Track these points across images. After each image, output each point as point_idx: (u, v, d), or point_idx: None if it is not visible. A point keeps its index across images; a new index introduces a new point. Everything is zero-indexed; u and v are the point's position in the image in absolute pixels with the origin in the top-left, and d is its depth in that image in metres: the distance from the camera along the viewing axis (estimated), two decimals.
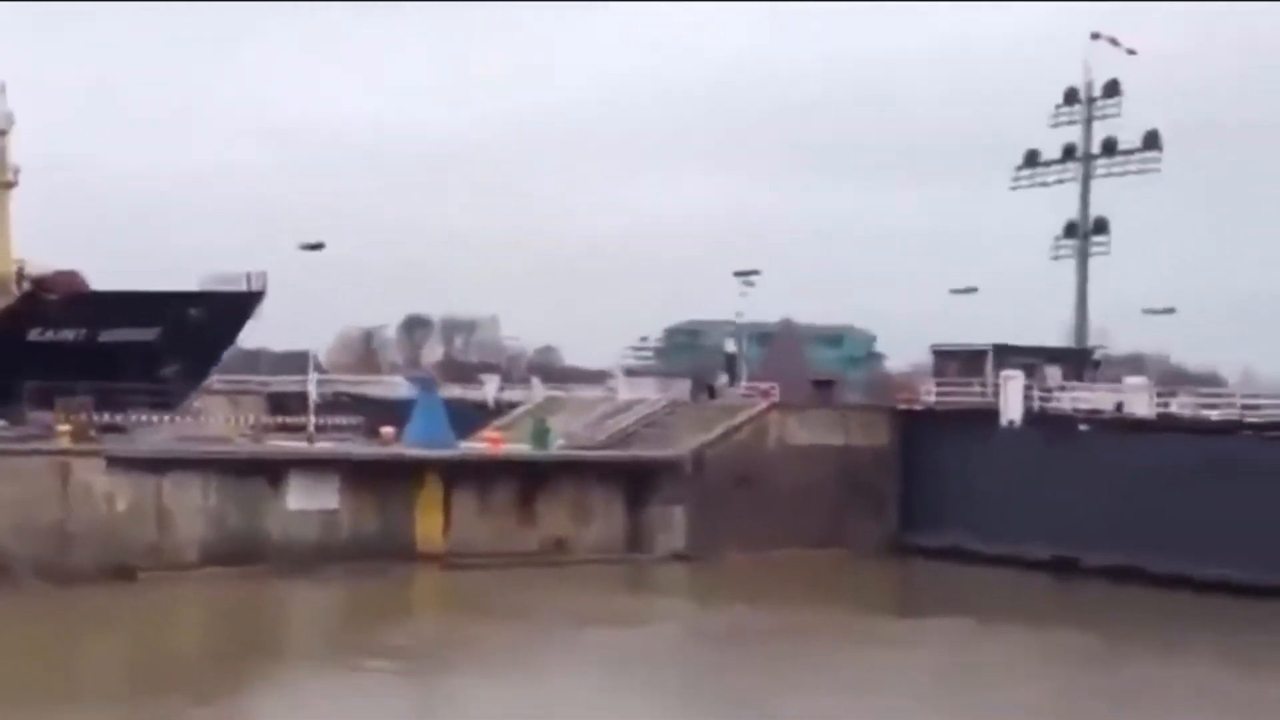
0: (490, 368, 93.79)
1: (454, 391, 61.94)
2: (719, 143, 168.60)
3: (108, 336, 48.57)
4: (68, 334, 48.60)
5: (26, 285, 50.99)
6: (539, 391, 67.45)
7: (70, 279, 50.88)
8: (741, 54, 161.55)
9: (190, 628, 32.37)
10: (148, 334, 49.54)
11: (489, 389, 66.09)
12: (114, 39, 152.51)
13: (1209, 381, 71.08)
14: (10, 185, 52.86)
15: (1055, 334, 57.76)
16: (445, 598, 36.26)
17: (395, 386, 77.10)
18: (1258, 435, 39.15)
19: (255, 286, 51.84)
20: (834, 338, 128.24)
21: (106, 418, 40.78)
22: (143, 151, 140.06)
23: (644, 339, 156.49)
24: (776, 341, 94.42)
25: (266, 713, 24.13)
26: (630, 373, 61.90)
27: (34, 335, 48.35)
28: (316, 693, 25.27)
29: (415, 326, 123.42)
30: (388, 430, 44.29)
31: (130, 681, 26.16)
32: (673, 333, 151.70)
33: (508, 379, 77.96)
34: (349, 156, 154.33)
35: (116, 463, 35.23)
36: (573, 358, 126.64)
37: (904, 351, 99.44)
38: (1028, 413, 43.74)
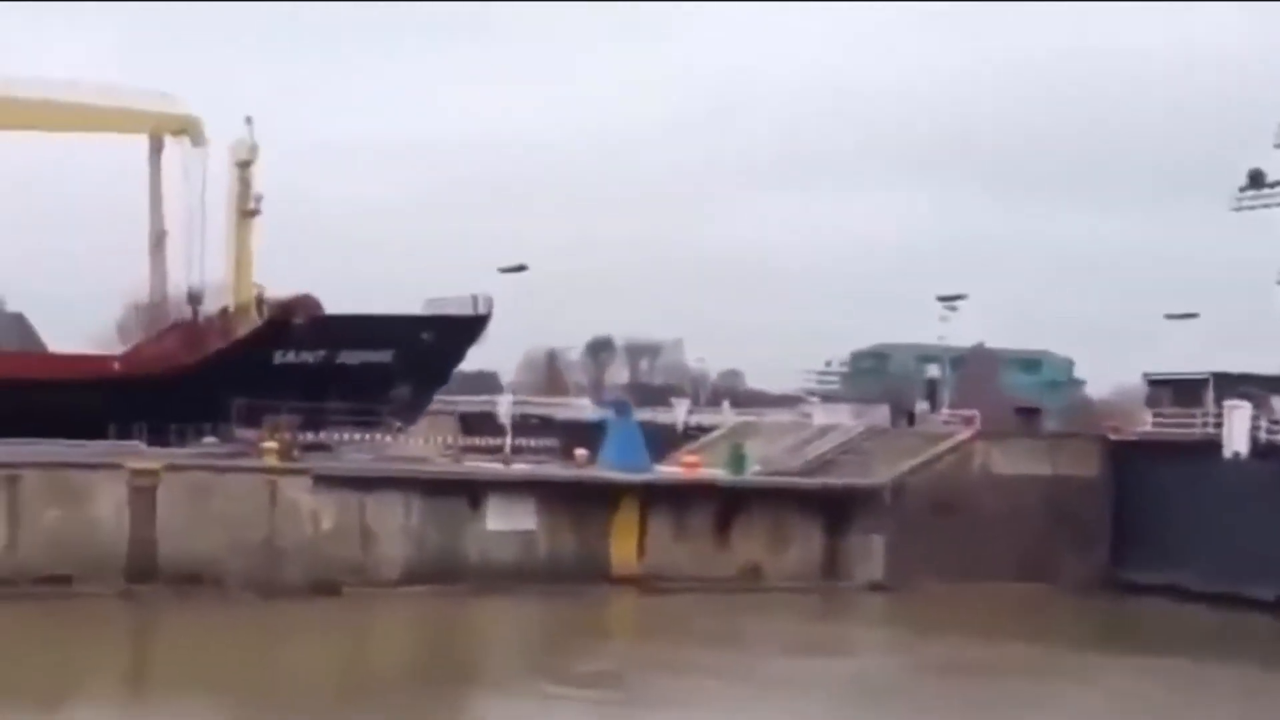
0: (674, 391, 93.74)
1: (643, 414, 61.91)
2: (903, 157, 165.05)
3: (346, 358, 50.24)
4: (309, 356, 50.39)
5: (267, 310, 52.91)
6: (729, 415, 66.98)
7: (308, 303, 52.71)
8: (931, 60, 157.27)
9: (390, 643, 32.67)
10: (383, 356, 51.14)
11: (678, 412, 65.90)
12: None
13: None
14: (254, 214, 54.79)
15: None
16: (643, 622, 35.93)
17: (583, 409, 77.73)
18: None
19: (481, 310, 53.06)
20: (1031, 362, 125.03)
21: (310, 436, 41.65)
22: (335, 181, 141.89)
23: (828, 363, 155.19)
24: (969, 366, 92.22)
25: None
26: (816, 397, 60.57)
27: (279, 358, 50.31)
28: (513, 716, 24.93)
29: (600, 349, 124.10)
30: (582, 452, 44.25)
31: (325, 692, 26.44)
32: (859, 357, 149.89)
33: (695, 402, 77.80)
34: (495, 176, 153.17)
35: (322, 481, 35.82)
36: (756, 381, 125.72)
37: (1105, 378, 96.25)
38: (1254, 444, 41.39)
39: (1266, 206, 54.43)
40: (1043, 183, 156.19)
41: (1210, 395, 46.12)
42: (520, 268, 46.50)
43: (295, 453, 39.21)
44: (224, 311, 55.00)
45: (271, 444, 37.86)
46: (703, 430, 59.76)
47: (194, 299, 55.32)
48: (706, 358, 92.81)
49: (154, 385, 47.49)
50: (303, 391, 44.55)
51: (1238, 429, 41.86)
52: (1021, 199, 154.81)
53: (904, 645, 32.51)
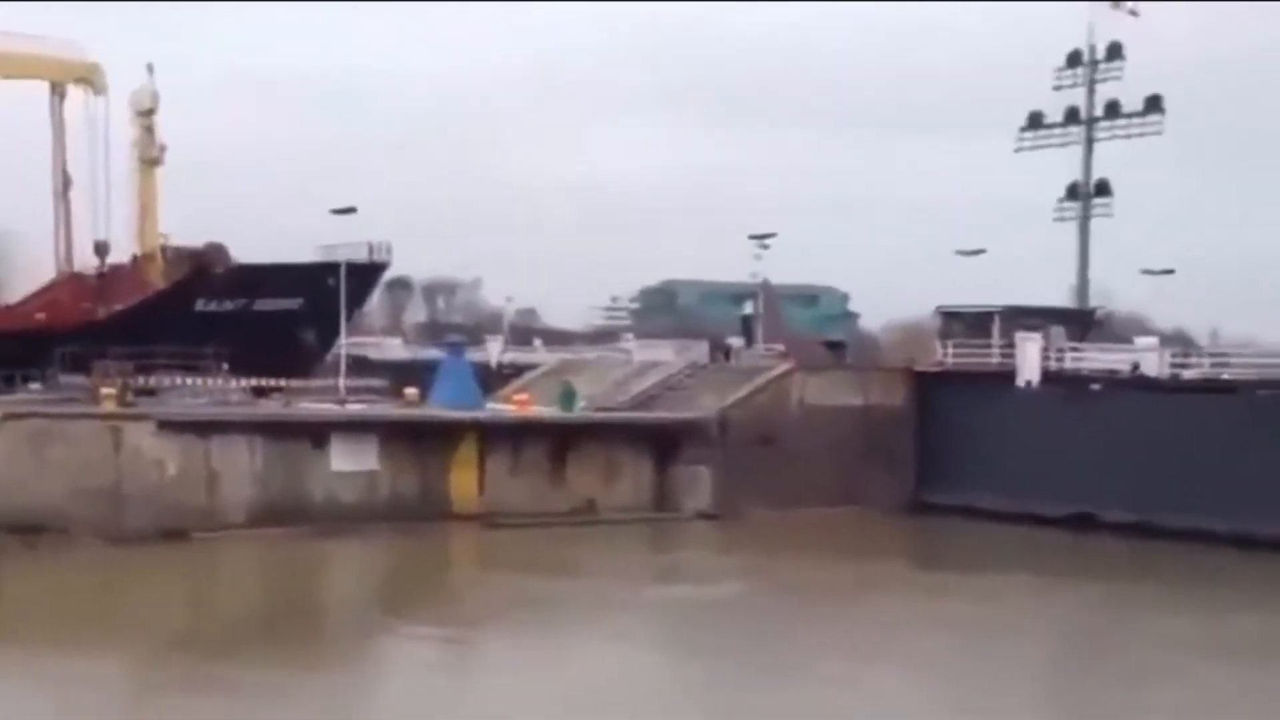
0: (458, 328, 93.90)
1: None
2: (698, 95, 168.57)
3: (261, 306, 51.66)
4: (229, 304, 51.76)
5: (175, 258, 54.54)
6: (541, 353, 68.25)
7: (222, 252, 54.06)
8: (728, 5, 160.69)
9: (244, 586, 32.93)
10: (293, 303, 52.97)
11: (492, 350, 66.66)
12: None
13: (1180, 341, 72.42)
14: (157, 163, 55.73)
15: (1057, 296, 58.86)
16: (491, 556, 36.89)
17: (393, 348, 77.93)
18: (1270, 393, 40.33)
19: (379, 257, 55.67)
20: (809, 297, 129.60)
21: (140, 382, 41.22)
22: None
23: (614, 299, 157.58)
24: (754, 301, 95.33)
25: (323, 665, 24.45)
26: (631, 334, 62.39)
27: (201, 306, 52.05)
28: (374, 654, 25.74)
29: (397, 288, 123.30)
30: (411, 391, 44.88)
31: (181, 636, 26.75)
32: (648, 293, 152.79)
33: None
34: (323, 107, 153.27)
35: (166, 426, 35.70)
36: (550, 319, 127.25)
37: (879, 311, 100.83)
38: (1044, 373, 44.78)
39: (1045, 147, 58.42)
40: (838, 121, 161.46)
41: (998, 327, 49.60)
42: (351, 209, 46.73)
43: (129, 398, 38.88)
44: (133, 260, 55.92)
45: (110, 390, 37.45)
46: (516, 368, 60.82)
47: (100, 250, 55.58)
48: (513, 296, 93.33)
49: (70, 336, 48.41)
50: (222, 339, 45.81)
51: (1030, 359, 45.19)
52: (813, 137, 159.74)
53: (748, 568, 34.40)
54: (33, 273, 58.34)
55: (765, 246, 53.69)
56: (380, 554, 35.77)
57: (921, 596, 31.75)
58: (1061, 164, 57.18)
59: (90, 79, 55.51)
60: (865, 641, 26.44)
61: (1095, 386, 44.26)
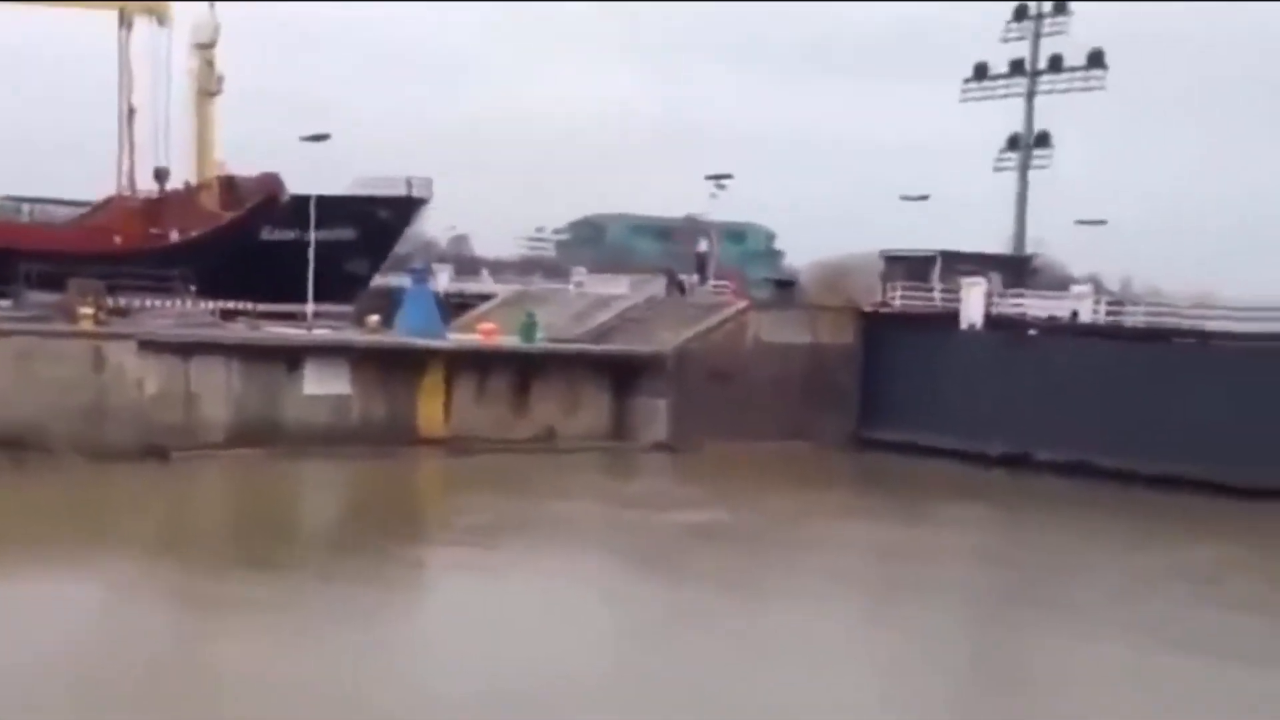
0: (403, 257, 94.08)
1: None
2: (638, 29, 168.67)
3: (316, 235, 52.18)
4: (289, 234, 52.49)
5: (240, 188, 56.73)
6: (489, 283, 69.18)
7: (278, 181, 55.73)
8: None
9: (227, 500, 34.05)
10: (345, 234, 54.62)
11: (441, 280, 67.25)
12: None
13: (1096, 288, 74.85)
14: (215, 94, 57.85)
15: (993, 243, 60.90)
16: (464, 478, 38.20)
17: None
18: (1198, 341, 42.68)
19: (419, 193, 58.73)
20: (737, 234, 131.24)
21: (112, 302, 41.74)
22: None
23: (540, 229, 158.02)
24: (680, 236, 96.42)
25: (334, 576, 25.41)
26: (584, 268, 63.51)
27: (266, 235, 54.12)
28: (373, 564, 26.73)
29: None
30: (374, 318, 45.80)
31: (152, 542, 27.85)
32: (577, 225, 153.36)
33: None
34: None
35: (147, 345, 36.40)
36: (481, 248, 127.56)
37: (804, 250, 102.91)
38: (987, 317, 46.76)
39: (989, 98, 60.26)
40: (782, 61, 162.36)
41: (937, 271, 51.53)
42: (324, 136, 47.29)
43: (102, 317, 39.44)
44: (186, 187, 57.94)
45: (87, 309, 37.97)
46: (463, 297, 61.73)
47: (160, 175, 57.74)
48: (454, 225, 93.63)
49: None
50: (283, 267, 47.31)
51: (974, 303, 47.16)
52: (756, 80, 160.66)
53: (712, 496, 35.95)
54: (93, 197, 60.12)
55: (722, 186, 55.06)
56: (357, 474, 36.88)
57: (869, 523, 33.83)
58: (1007, 114, 59.11)
59: (156, 11, 57.72)
60: (838, 564, 28.31)
61: (1032, 332, 46.38)
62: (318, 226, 48.26)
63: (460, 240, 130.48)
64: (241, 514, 32.12)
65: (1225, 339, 41.81)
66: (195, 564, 25.66)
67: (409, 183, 58.35)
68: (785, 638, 22.03)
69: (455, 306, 57.29)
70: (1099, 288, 79.63)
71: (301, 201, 52.21)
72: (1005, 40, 58.21)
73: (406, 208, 60.06)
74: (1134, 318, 46.72)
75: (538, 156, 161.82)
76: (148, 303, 43.55)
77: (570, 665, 19.66)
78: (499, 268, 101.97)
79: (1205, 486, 37.90)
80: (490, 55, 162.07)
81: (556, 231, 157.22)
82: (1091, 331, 45.28)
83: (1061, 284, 58.28)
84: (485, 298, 59.43)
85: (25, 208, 58.84)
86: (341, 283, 52.84)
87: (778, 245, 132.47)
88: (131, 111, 57.48)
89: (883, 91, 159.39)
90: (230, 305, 44.97)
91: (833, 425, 47.36)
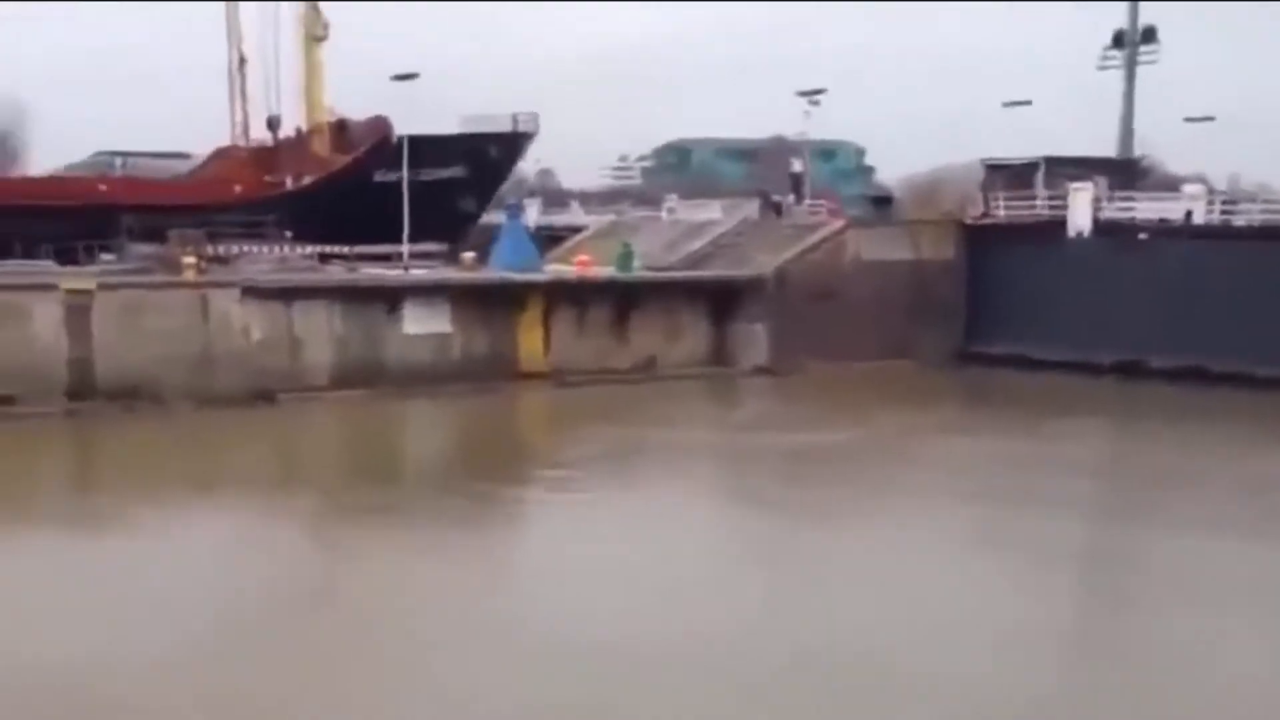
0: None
1: (492, 217, 63.45)
2: None
3: (426, 176, 52.96)
4: (401, 174, 52.61)
5: (353, 131, 56.86)
6: (578, 215, 68.85)
7: (385, 124, 55.66)
8: None
9: (343, 439, 34.24)
10: (456, 172, 55.54)
11: (530, 214, 67.10)
12: None
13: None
14: (321, 39, 57.67)
15: (1097, 148, 59.14)
16: (571, 410, 38.07)
17: None
18: None
19: (525, 128, 58.74)
20: (827, 151, 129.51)
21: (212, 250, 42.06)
22: None
23: (623, 158, 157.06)
24: (769, 157, 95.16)
25: (457, 509, 25.47)
26: (674, 195, 62.90)
27: (379, 176, 53.76)
28: (497, 492, 26.95)
29: None
30: (469, 255, 45.73)
31: (269, 481, 28.29)
32: (661, 151, 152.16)
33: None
34: None
35: (250, 292, 36.62)
36: (567, 180, 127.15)
37: (897, 164, 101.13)
38: (1095, 224, 45.47)
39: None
40: None
41: (1041, 178, 50.16)
42: (412, 75, 47.07)
43: (203, 265, 39.76)
44: (298, 133, 58.11)
45: (190, 259, 38.28)
46: (554, 230, 61.52)
47: (273, 124, 58.29)
48: (540, 158, 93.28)
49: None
50: (396, 207, 47.41)
51: (1080, 210, 45.87)
52: None
53: (821, 418, 35.59)
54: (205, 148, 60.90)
55: (815, 103, 53.95)
56: (462, 411, 36.94)
57: (980, 439, 33.26)
58: (1101, 15, 57.14)
59: None
60: (955, 483, 27.81)
61: (1143, 236, 45.06)
62: (425, 165, 48.17)
63: (546, 174, 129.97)
64: (359, 449, 32.39)
65: None
66: (328, 496, 26.12)
67: (515, 118, 58.43)
68: (911, 556, 21.63)
69: (546, 239, 57.21)
70: (1210, 188, 77.61)
71: (415, 143, 52.34)
72: None
73: (514, 144, 60.46)
74: (1248, 216, 45.09)
75: (619, 85, 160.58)
76: (246, 249, 43.74)
77: (712, 588, 19.66)
78: (585, 199, 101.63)
79: None
80: None
81: (640, 159, 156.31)
82: (1205, 233, 43.86)
83: (1170, 185, 56.43)
84: (575, 230, 59.21)
85: (118, 161, 59.44)
86: (454, 221, 52.85)
87: (868, 161, 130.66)
88: (242, 61, 57.80)
89: None
90: (327, 249, 45.01)
91: (937, 342, 46.58)
